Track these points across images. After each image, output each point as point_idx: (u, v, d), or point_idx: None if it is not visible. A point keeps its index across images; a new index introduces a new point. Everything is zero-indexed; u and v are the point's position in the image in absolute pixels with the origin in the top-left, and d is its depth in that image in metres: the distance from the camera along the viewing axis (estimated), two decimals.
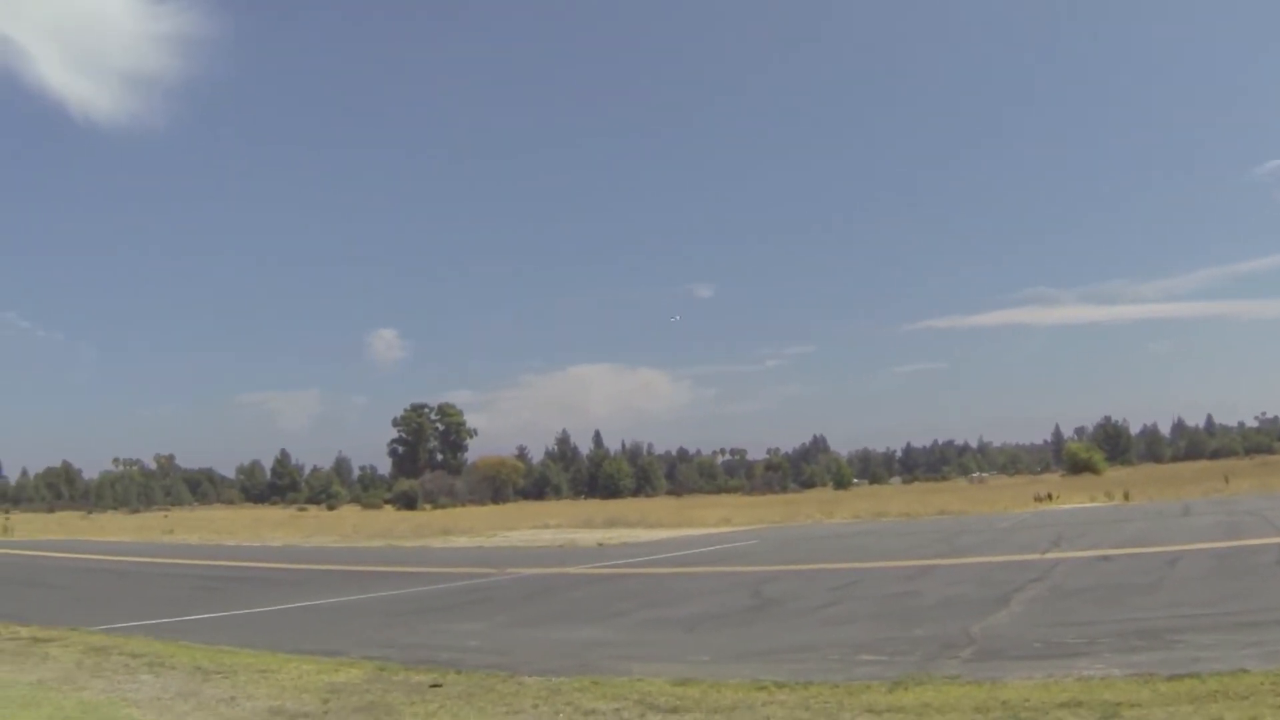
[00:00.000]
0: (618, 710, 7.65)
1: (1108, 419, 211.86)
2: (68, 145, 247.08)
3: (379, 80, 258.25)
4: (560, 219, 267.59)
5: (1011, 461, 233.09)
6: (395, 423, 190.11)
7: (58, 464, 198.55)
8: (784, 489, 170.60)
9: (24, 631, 12.67)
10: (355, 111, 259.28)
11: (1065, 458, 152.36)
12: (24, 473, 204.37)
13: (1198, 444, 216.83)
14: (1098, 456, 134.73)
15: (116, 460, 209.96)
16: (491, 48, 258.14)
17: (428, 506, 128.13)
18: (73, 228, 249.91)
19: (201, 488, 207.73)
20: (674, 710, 7.55)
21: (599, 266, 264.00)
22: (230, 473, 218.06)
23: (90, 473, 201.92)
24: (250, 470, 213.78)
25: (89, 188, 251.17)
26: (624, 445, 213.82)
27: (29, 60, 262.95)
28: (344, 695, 8.65)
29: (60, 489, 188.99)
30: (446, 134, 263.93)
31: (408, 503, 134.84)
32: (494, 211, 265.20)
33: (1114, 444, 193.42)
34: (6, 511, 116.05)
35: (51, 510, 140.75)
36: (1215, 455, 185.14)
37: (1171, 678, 7.59)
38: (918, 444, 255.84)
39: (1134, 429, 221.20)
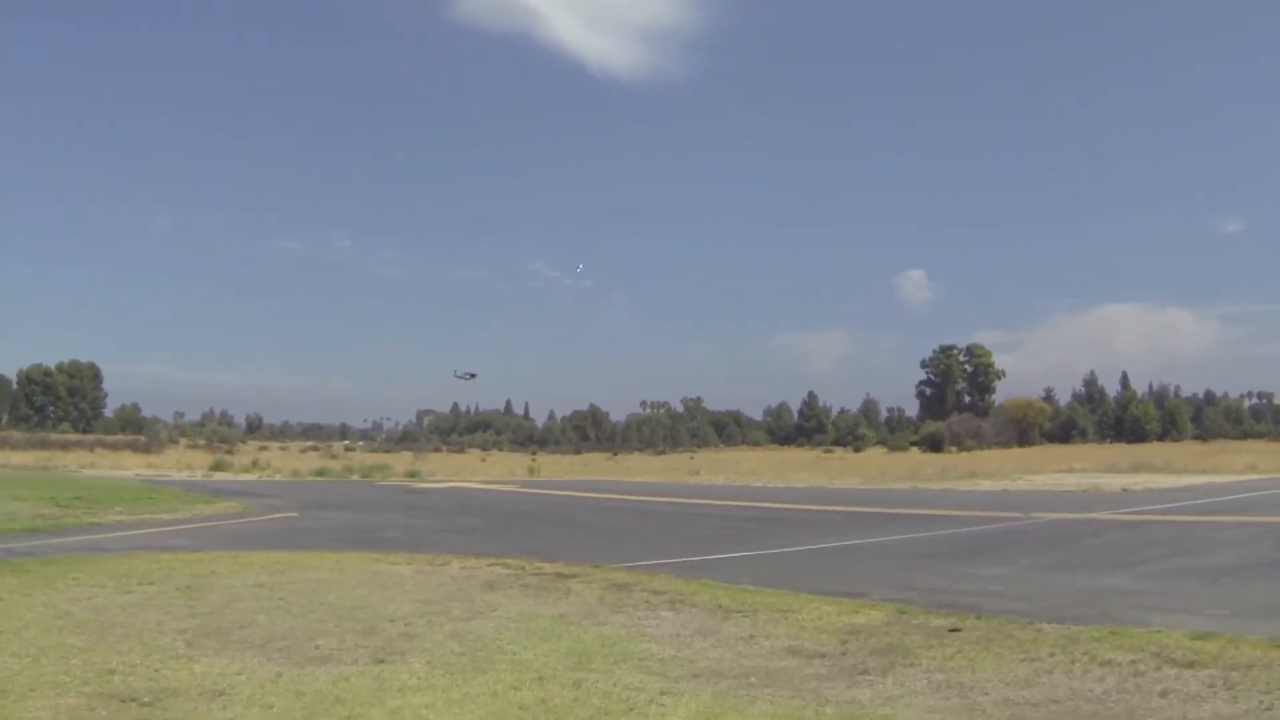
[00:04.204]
0: (1134, 662, 7.72)
1: None
2: (588, 101, 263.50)
3: (883, 19, 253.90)
4: (1085, 149, 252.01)
5: None
6: (924, 364, 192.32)
7: (584, 407, 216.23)
8: None
9: (548, 567, 14.05)
10: (867, 50, 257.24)
11: None
12: (551, 415, 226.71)
13: None
14: None
15: (644, 403, 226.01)
16: None
17: (953, 449, 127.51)
18: (597, 180, 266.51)
19: (728, 429, 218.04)
20: (1190, 665, 7.55)
21: (1123, 201, 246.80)
22: (757, 415, 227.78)
23: (617, 416, 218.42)
24: (777, 412, 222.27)
25: (610, 141, 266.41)
26: (1151, 387, 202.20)
27: (539, 19, 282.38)
28: (862, 637, 8.98)
29: (586, 431, 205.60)
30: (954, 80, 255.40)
31: (934, 445, 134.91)
32: (1021, 151, 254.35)
33: None
34: (534, 453, 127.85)
35: (577, 452, 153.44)
36: None
37: None
38: None
39: None
